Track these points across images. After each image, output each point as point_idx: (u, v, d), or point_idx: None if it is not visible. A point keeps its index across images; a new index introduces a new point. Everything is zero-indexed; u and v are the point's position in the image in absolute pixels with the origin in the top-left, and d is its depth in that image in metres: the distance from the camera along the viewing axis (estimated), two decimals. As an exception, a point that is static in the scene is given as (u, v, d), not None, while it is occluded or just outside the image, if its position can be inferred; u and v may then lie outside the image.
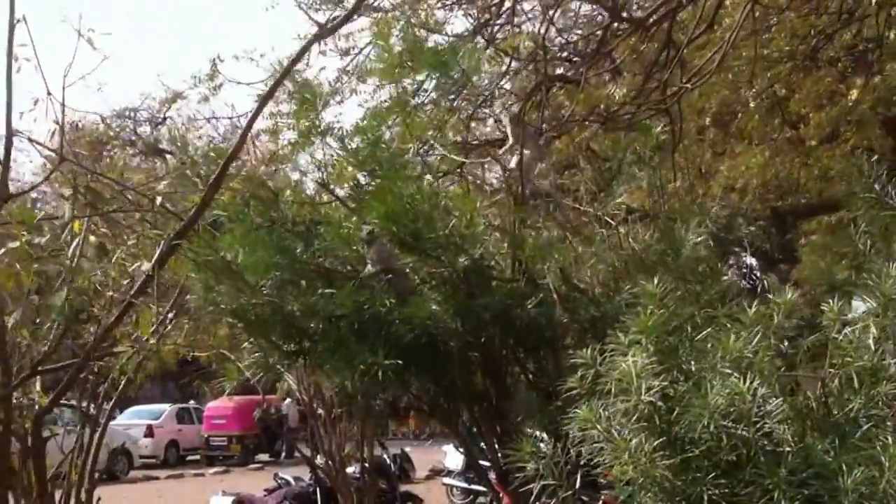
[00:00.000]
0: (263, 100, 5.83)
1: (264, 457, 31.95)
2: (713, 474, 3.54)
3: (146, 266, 5.39)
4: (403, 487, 15.00)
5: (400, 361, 4.76)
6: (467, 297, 5.17)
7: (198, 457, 32.58)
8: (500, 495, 6.01)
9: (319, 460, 10.43)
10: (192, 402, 34.83)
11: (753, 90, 11.45)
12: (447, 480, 19.66)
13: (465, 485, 18.77)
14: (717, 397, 3.44)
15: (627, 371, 3.62)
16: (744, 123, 12.58)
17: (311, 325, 5.06)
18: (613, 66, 7.35)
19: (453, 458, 18.94)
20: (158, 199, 5.18)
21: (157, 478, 27.60)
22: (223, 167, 5.35)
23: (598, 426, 3.64)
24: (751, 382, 3.41)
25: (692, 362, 3.74)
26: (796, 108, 12.91)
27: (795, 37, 10.65)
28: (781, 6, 9.36)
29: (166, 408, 33.40)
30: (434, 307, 5.04)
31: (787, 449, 3.46)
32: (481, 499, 17.89)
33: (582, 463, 4.00)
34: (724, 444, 3.50)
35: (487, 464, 6.12)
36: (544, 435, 5.07)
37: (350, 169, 5.73)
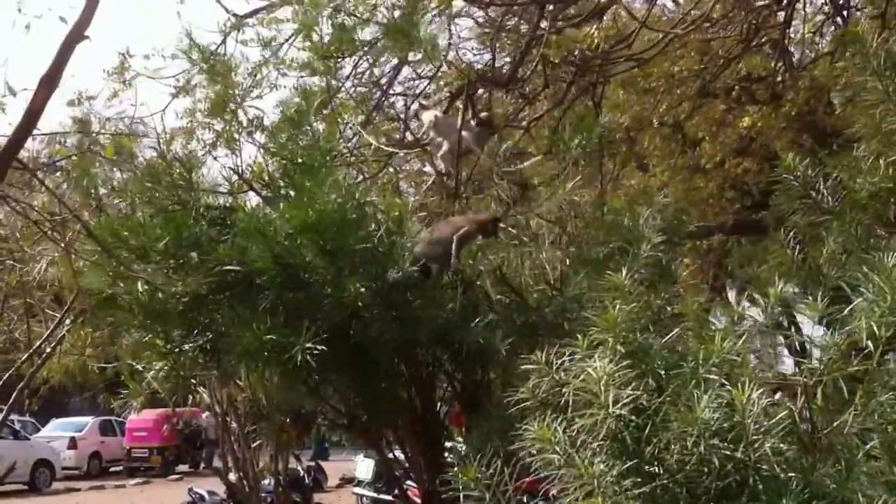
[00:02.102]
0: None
1: (185, 468, 30.32)
2: (695, 505, 2.64)
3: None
4: (316, 497, 13.88)
5: (323, 348, 3.73)
6: (399, 307, 4.21)
7: (120, 468, 30.71)
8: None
9: (233, 475, 9.27)
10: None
11: (659, 108, 10.76)
12: (357, 490, 18.53)
13: (374, 494, 17.68)
14: (705, 410, 2.53)
15: (593, 377, 2.69)
16: (646, 143, 11.90)
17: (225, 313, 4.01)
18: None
19: (364, 467, 17.86)
20: None
21: (78, 489, 25.77)
22: (62, 50, 3.91)
23: (558, 448, 2.69)
24: (750, 392, 2.50)
25: (667, 367, 2.81)
26: (692, 132, 12.36)
27: (700, 57, 10.05)
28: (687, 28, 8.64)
29: (90, 420, 31.48)
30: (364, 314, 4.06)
31: (791, 475, 2.55)
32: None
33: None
34: (712, 469, 2.58)
35: (412, 484, 5.15)
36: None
37: (270, 162, 4.74)
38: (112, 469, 30.92)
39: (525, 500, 4.29)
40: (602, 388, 2.66)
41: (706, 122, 12.43)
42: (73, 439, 29.67)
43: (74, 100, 6.79)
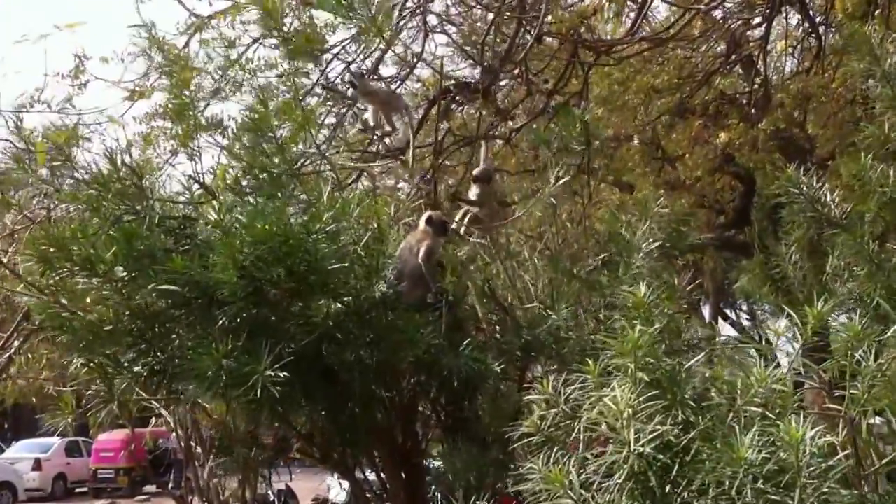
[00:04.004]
0: None
1: (152, 488, 29.32)
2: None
3: None
4: (287, 521, 13.23)
5: (286, 374, 3.22)
6: (377, 329, 3.73)
7: (85, 489, 29.65)
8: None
9: (198, 502, 8.67)
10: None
11: (639, 122, 10.39)
12: (331, 513, 17.87)
13: (349, 517, 17.04)
14: (751, 448, 2.07)
15: (612, 410, 2.23)
16: (626, 158, 11.52)
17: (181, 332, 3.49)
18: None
19: (337, 490, 17.21)
20: None
21: (41, 512, 24.86)
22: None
23: (571, 492, 2.22)
24: (804, 430, 2.04)
25: (697, 399, 2.35)
26: (671, 148, 12.04)
27: (678, 72, 9.71)
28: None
29: (56, 441, 30.39)
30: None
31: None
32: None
33: None
34: (756, 517, 2.12)
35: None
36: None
37: (232, 168, 4.26)
38: (78, 490, 29.89)
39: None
40: (624, 422, 2.20)
41: (684, 138, 12.13)
42: (37, 460, 28.64)
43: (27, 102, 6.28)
